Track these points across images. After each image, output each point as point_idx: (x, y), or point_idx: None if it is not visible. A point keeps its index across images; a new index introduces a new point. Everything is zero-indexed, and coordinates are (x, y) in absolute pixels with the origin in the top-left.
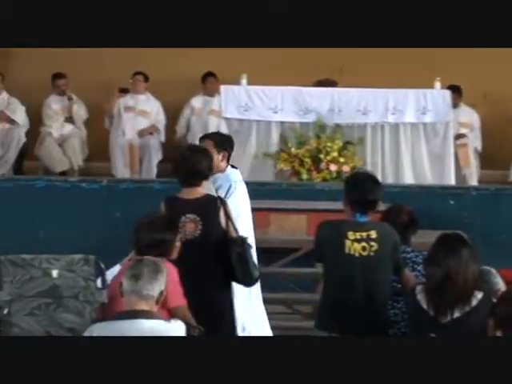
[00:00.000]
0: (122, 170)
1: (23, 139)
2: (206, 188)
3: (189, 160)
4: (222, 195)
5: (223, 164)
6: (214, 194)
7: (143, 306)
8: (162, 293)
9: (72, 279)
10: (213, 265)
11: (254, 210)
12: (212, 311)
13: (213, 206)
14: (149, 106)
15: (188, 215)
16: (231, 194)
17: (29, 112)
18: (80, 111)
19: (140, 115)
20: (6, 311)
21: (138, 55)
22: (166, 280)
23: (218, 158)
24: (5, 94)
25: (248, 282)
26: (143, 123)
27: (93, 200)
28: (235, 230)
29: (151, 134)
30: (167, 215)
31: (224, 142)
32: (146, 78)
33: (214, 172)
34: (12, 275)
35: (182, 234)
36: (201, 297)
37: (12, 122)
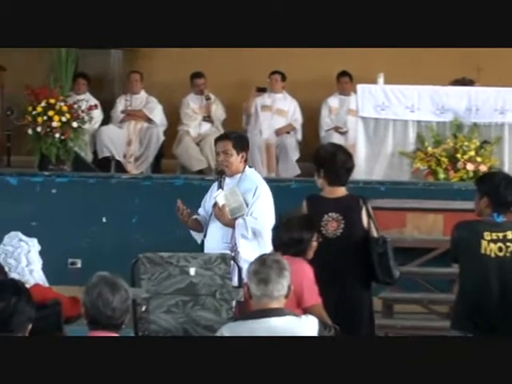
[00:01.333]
0: (259, 168)
1: (162, 138)
2: (232, 191)
3: (341, 159)
4: (250, 198)
5: (242, 165)
6: (241, 196)
7: (274, 304)
8: (289, 287)
9: (209, 277)
10: (353, 264)
11: (390, 209)
12: (352, 311)
13: (355, 204)
14: (286, 105)
15: (330, 214)
16: (258, 195)
17: (167, 111)
18: (218, 111)
19: (277, 114)
20: (144, 308)
21: (275, 54)
22: (290, 273)
23: (237, 158)
24: (143, 94)
25: (388, 282)
26: (280, 122)
27: None
28: (376, 229)
29: (288, 132)
30: (306, 214)
31: (243, 143)
32: (284, 77)
33: (233, 173)
34: (150, 273)
35: (324, 232)
36: (341, 296)
37: (150, 120)
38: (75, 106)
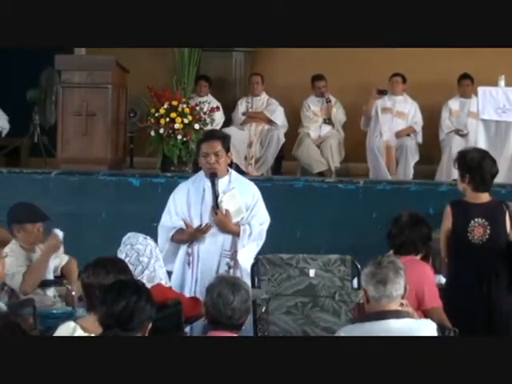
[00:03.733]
0: (378, 171)
1: (282, 140)
2: (231, 194)
3: (488, 165)
4: (249, 200)
5: (227, 166)
6: (240, 199)
7: (392, 306)
8: (405, 287)
9: (328, 279)
10: (498, 270)
11: None
12: (497, 316)
13: (500, 210)
14: (406, 108)
15: (476, 219)
16: (258, 198)
17: (288, 113)
18: (339, 114)
19: (397, 116)
20: (263, 309)
21: (395, 56)
22: (406, 273)
23: (226, 159)
24: (264, 95)
25: None
26: (400, 124)
27: (349, 201)
28: None
29: (408, 135)
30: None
31: (228, 143)
32: (404, 79)
33: (222, 175)
34: (270, 274)
35: (471, 238)
36: (486, 301)
37: (271, 122)
38: (197, 108)
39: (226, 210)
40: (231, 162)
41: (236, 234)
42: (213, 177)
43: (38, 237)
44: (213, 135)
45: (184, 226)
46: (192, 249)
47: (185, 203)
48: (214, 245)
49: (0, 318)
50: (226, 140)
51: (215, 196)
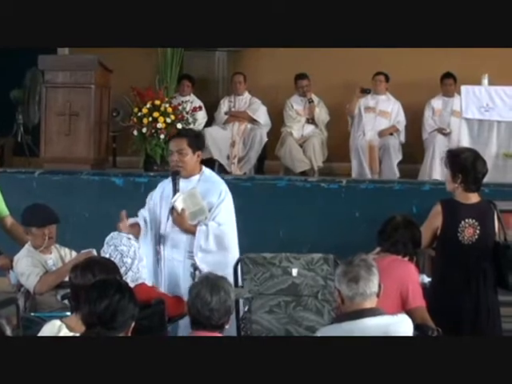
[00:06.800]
0: (361, 170)
1: (265, 139)
2: (190, 193)
3: (480, 165)
4: (214, 200)
5: (198, 165)
6: (201, 199)
7: (367, 304)
8: (380, 285)
9: (311, 278)
10: (486, 270)
11: None
12: (487, 316)
13: (488, 210)
14: (389, 107)
15: (467, 220)
16: (224, 198)
17: (271, 112)
18: (322, 114)
19: (380, 116)
20: (246, 308)
21: (379, 55)
22: (378, 272)
23: (192, 158)
24: (247, 95)
25: None
26: (383, 124)
27: (332, 200)
28: (505, 233)
29: (391, 134)
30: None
31: (198, 142)
32: (387, 78)
33: (190, 174)
34: (253, 273)
35: (461, 239)
36: (475, 302)
37: (254, 121)
38: (180, 108)
39: (182, 209)
40: (213, 161)
41: (193, 234)
42: (174, 175)
43: (47, 240)
44: (179, 133)
45: (140, 222)
46: (159, 247)
47: (158, 201)
48: (177, 246)
49: None
50: (193, 138)
51: (174, 194)
